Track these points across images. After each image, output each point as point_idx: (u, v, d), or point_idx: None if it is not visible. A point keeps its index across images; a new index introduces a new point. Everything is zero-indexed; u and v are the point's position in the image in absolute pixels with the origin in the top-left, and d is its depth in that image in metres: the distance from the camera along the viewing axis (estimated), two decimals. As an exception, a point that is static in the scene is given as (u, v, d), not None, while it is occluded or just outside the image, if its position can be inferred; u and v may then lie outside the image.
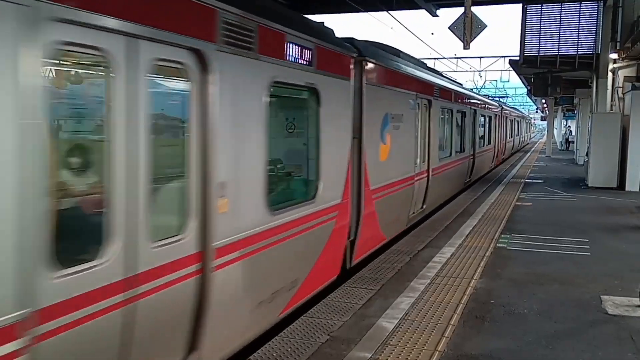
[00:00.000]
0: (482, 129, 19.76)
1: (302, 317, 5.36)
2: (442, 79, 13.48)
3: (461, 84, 19.04)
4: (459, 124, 14.93)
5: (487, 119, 20.81)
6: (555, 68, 20.44)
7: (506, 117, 28.96)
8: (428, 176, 10.73)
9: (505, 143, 29.26)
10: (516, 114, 39.40)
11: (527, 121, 60.17)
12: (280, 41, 5.04)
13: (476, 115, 17.20)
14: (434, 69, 14.81)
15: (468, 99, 16.03)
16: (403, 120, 8.96)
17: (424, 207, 10.81)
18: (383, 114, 7.95)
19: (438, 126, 11.68)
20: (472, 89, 24.48)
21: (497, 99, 37.86)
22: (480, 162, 18.82)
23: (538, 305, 5.83)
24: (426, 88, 10.59)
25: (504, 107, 28.72)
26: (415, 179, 9.83)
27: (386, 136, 8.07)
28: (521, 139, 46.48)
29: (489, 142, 21.65)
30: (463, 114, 15.08)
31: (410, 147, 9.58)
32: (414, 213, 10.11)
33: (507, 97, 54.20)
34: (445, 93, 12.41)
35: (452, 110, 13.41)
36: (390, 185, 8.36)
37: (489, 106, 21.82)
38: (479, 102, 18.67)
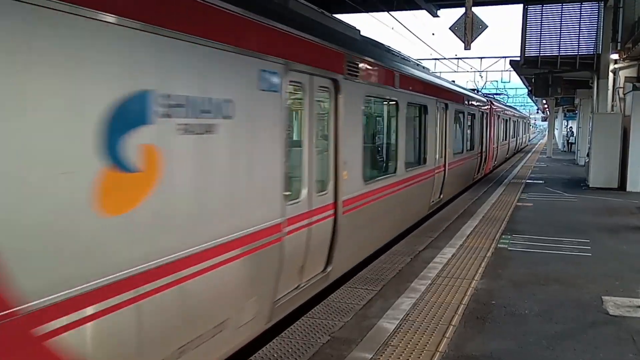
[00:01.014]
0: (461, 130, 15.19)
1: (302, 317, 5.36)
2: (381, 51, 8.96)
3: (427, 69, 13.08)
4: (415, 123, 10.68)
5: (468, 117, 16.11)
6: (556, 68, 20.47)
7: (498, 116, 24.12)
8: (336, 216, 6.29)
9: (497, 147, 24.15)
10: (511, 112, 34.08)
11: (525, 121, 51.99)
12: None
13: (448, 111, 12.64)
14: (380, 44, 9.74)
15: (431, 89, 11.28)
16: (235, 115, 4.35)
17: (330, 268, 6.33)
18: (116, 94, 3.26)
19: (358, 128, 7.08)
20: (453, 81, 18.33)
21: (493, 95, 33.58)
22: (456, 175, 14.22)
23: (539, 306, 5.83)
24: (319, 56, 5.92)
25: (494, 103, 23.53)
26: (289, 229, 5.18)
27: (134, 151, 3.38)
28: (519, 142, 40.71)
29: (472, 148, 16.97)
30: (422, 109, 10.68)
31: (271, 169, 4.94)
32: (299, 287, 5.67)
33: (502, 94, 49.90)
34: (374, 73, 7.72)
35: (396, 103, 8.86)
36: (151, 275, 3.52)
37: (472, 101, 17.01)
38: (452, 94, 13.68)
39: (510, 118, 31.08)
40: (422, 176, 10.58)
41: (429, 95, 11.03)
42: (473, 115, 16.98)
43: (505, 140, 28.53)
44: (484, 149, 19.25)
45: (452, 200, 13.82)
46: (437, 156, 11.82)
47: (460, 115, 14.94)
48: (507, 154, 29.99)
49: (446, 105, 12.56)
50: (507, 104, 41.96)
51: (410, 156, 10.15)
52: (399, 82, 8.85)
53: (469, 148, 16.40)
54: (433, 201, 11.98)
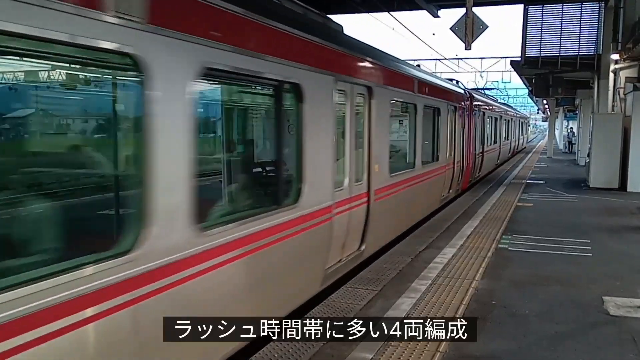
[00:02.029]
0: (412, 133, 10.00)
1: (303, 317, 5.35)
2: None
3: (340, 26, 7.46)
4: (257, 123, 6.54)
5: (426, 113, 10.60)
6: (556, 69, 20.49)
7: (483, 114, 18.95)
8: None
9: (483, 153, 18.86)
10: (503, 110, 27.72)
11: (522, 120, 43.67)
12: None
13: (374, 102, 7.46)
14: None
15: (318, 53, 6.09)
16: None
17: None
18: None
19: None
20: (419, 66, 14.51)
21: (482, 90, 28.01)
22: (398, 205, 8.93)
23: (539, 307, 5.82)
24: None
25: (476, 97, 17.74)
26: None
27: None
28: (513, 145, 33.59)
29: (435, 158, 11.77)
30: (288, 94, 5.48)
31: None
32: None
33: (492, 88, 42.27)
34: None
35: (172, 71, 3.68)
36: None
37: (434, 90, 11.49)
38: (385, 72, 8.26)
39: (501, 116, 25.72)
40: (283, 230, 5.15)
41: (311, 65, 5.67)
42: (437, 111, 11.72)
43: (495, 143, 23.49)
44: (458, 158, 14.04)
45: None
46: (347, 181, 6.75)
47: (410, 110, 9.92)
48: (497, 159, 24.80)
49: (369, 90, 7.35)
50: (498, 100, 34.53)
51: (242, 197, 5.55)
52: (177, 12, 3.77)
53: (429, 159, 11.38)
54: (332, 267, 6.49)
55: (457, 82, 17.00)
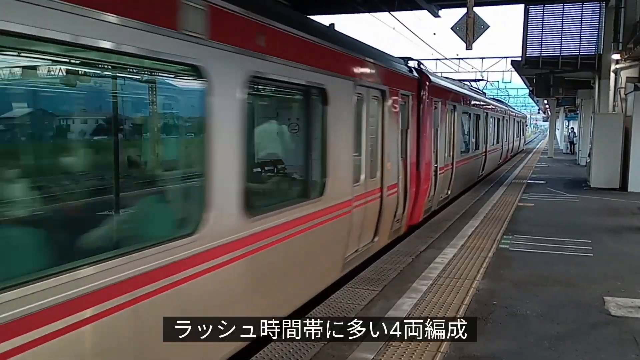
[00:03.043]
0: (212, 146, 4.03)
1: (303, 318, 5.34)
2: None
3: None
4: None
5: (257, 97, 5.68)
6: (557, 69, 20.47)
7: (452, 107, 12.95)
8: None
9: (452, 166, 13.05)
10: (488, 105, 20.79)
11: (518, 119, 36.08)
12: None
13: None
14: None
15: None
16: None
17: None
18: None
19: None
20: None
21: (469, 82, 20.69)
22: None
23: (540, 307, 5.81)
24: None
25: (434, 81, 10.98)
26: None
27: None
28: (506, 149, 27.22)
29: (318, 191, 5.93)
30: None
31: None
32: None
33: (480, 80, 31.83)
34: None
35: None
36: None
37: (305, 47, 5.55)
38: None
39: (487, 114, 19.55)
40: None
41: None
42: (320, 96, 5.96)
43: (477, 149, 17.69)
44: (391, 180, 8.43)
45: None
46: None
47: (195, 89, 4.20)
48: (481, 170, 18.91)
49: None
50: (481, 91, 23.75)
51: None
52: None
53: (295, 197, 6.12)
54: None
55: (408, 59, 10.44)
